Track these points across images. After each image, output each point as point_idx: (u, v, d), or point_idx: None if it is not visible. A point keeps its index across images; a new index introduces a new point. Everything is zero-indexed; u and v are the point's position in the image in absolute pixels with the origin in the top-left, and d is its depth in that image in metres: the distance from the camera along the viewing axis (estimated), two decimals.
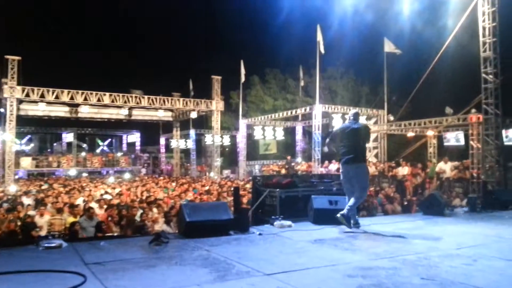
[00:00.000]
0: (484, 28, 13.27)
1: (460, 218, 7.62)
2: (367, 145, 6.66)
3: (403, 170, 17.36)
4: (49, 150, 41.60)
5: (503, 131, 14.41)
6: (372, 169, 17.87)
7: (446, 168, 16.68)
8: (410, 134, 21.64)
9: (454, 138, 19.47)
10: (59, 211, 10.34)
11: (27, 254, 4.73)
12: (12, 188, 18.83)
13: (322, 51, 20.72)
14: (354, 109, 7.08)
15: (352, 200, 6.22)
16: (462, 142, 18.89)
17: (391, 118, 21.82)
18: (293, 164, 24.97)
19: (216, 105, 28.00)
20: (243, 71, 27.06)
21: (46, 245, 4.93)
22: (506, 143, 14.61)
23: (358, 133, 6.36)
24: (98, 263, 4.24)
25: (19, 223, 9.18)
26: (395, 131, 22.44)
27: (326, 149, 6.95)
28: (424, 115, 20.42)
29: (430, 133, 20.88)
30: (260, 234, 5.85)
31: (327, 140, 6.83)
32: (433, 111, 20.47)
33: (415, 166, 17.80)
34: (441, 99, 21.44)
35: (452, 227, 6.50)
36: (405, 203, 12.52)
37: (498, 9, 13.05)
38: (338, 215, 6.15)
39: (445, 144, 19.96)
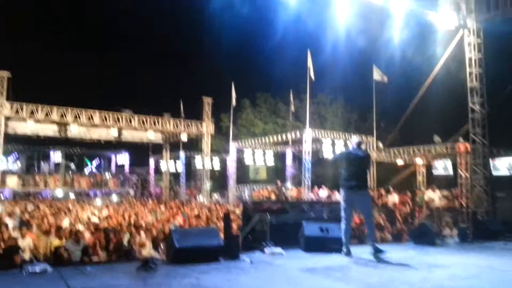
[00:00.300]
0: (470, 59, 13.59)
1: (451, 248, 7.61)
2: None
3: (393, 198, 17.38)
4: (36, 169, 40.96)
5: (490, 161, 14.58)
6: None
7: (435, 197, 16.76)
8: (400, 162, 21.80)
9: (442, 167, 19.65)
10: (46, 233, 10.09)
11: (11, 279, 4.59)
12: None
13: (312, 76, 20.97)
14: (357, 137, 7.26)
15: (368, 229, 6.53)
16: (450, 171, 19.06)
17: (380, 145, 21.98)
18: (283, 189, 24.88)
19: (207, 127, 27.98)
20: (234, 94, 27.20)
21: (30, 269, 4.78)
22: (494, 173, 14.76)
23: (362, 161, 6.47)
24: None
25: (2, 246, 8.92)
26: (384, 158, 22.60)
27: (333, 159, 7.14)
28: (412, 143, 20.65)
29: (419, 161, 21.06)
30: (251, 261, 5.76)
31: (337, 156, 6.97)
32: (421, 139, 20.72)
33: (404, 194, 17.86)
34: (429, 127, 21.75)
35: (443, 257, 6.47)
36: (394, 232, 12.47)
37: (484, 41, 13.40)
38: (371, 254, 6.15)
39: (434, 172, 20.12)
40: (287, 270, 5.38)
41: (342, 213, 6.44)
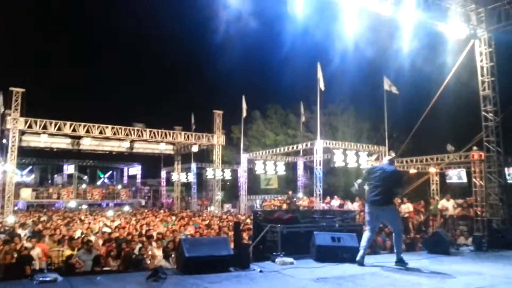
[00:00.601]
0: (482, 68, 13.44)
1: (466, 257, 7.44)
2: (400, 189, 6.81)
3: (406, 207, 17.15)
4: (49, 181, 41.50)
5: (506, 169, 14.32)
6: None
7: (449, 205, 16.51)
8: (412, 171, 21.56)
9: (456, 176, 19.40)
10: (60, 242, 10.16)
11: None
12: (10, 219, 18.62)
13: (322, 88, 20.98)
14: (390, 156, 7.26)
15: (394, 243, 6.49)
16: (464, 179, 18.80)
17: (393, 154, 21.79)
18: (294, 199, 24.76)
19: (218, 139, 28.11)
20: (244, 106, 27.29)
21: (41, 279, 4.79)
22: (509, 181, 14.49)
23: (388, 177, 6.43)
24: None
25: (15, 255, 9.00)
26: (397, 167, 22.32)
27: (356, 188, 6.98)
28: (425, 152, 20.44)
29: (432, 170, 20.81)
30: (261, 271, 5.71)
31: (360, 181, 6.83)
32: (434, 148, 20.51)
33: (418, 203, 17.61)
34: (442, 136, 21.53)
35: (458, 266, 6.33)
36: (407, 241, 12.28)
37: (495, 49, 13.27)
38: (395, 265, 6.21)
39: (448, 181, 19.85)
40: (298, 280, 5.31)
41: (366, 225, 6.59)
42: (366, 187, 6.77)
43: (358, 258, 6.27)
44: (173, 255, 8.69)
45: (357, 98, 33.13)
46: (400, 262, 6.25)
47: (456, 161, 18.53)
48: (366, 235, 6.46)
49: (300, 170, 29.90)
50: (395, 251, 6.45)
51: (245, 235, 11.06)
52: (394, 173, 6.59)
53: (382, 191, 6.35)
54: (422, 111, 18.54)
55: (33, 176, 40.86)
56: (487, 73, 13.33)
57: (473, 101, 14.35)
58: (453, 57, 15.07)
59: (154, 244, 10.19)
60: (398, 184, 6.66)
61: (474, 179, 16.06)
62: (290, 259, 6.33)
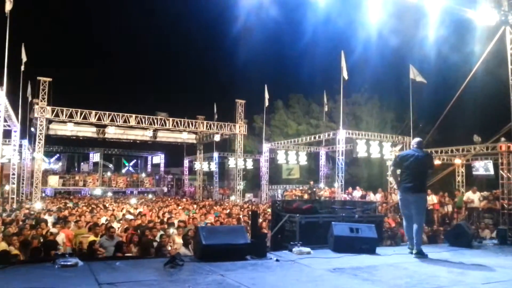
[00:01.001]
0: None
1: (489, 250, 7.25)
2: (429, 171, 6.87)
3: (431, 199, 16.83)
4: (76, 169, 42.63)
5: None
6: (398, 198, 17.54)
7: (475, 198, 16.13)
8: (437, 162, 21.10)
9: (483, 167, 18.88)
10: (90, 229, 10.42)
11: (43, 271, 4.74)
12: (38, 206, 19.22)
13: (346, 77, 20.69)
14: (418, 138, 7.14)
15: (414, 234, 6.34)
16: (491, 171, 18.27)
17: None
18: (315, 189, 24.67)
19: (240, 128, 28.18)
20: (267, 95, 27.24)
21: (62, 263, 4.94)
22: None
23: (421, 162, 6.43)
24: (111, 283, 4.22)
25: (41, 240, 9.28)
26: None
27: (393, 178, 7.11)
28: (451, 143, 19.95)
29: (458, 161, 20.32)
30: (277, 260, 5.71)
31: (392, 168, 6.82)
32: (460, 138, 19.99)
33: (441, 195, 17.26)
34: (468, 126, 20.96)
35: (479, 259, 6.17)
36: (430, 233, 12.08)
37: None
38: (413, 255, 6.22)
39: (474, 173, 19.36)
40: (314, 269, 5.30)
41: (401, 213, 6.80)
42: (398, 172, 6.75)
43: (412, 252, 6.30)
44: (193, 243, 8.80)
45: (382, 87, 32.62)
46: (420, 253, 6.18)
47: (483, 152, 18.00)
48: (404, 225, 6.61)
49: (322, 160, 29.73)
50: (414, 242, 6.36)
51: (265, 225, 11.11)
52: (426, 157, 6.59)
53: (414, 178, 6.35)
54: (448, 101, 18.06)
55: (60, 163, 42.03)
56: None
57: (502, 91, 13.88)
58: (481, 45, 14.57)
59: (175, 231, 10.34)
60: (430, 167, 6.77)
61: (501, 171, 15.60)
62: (307, 249, 6.31)
